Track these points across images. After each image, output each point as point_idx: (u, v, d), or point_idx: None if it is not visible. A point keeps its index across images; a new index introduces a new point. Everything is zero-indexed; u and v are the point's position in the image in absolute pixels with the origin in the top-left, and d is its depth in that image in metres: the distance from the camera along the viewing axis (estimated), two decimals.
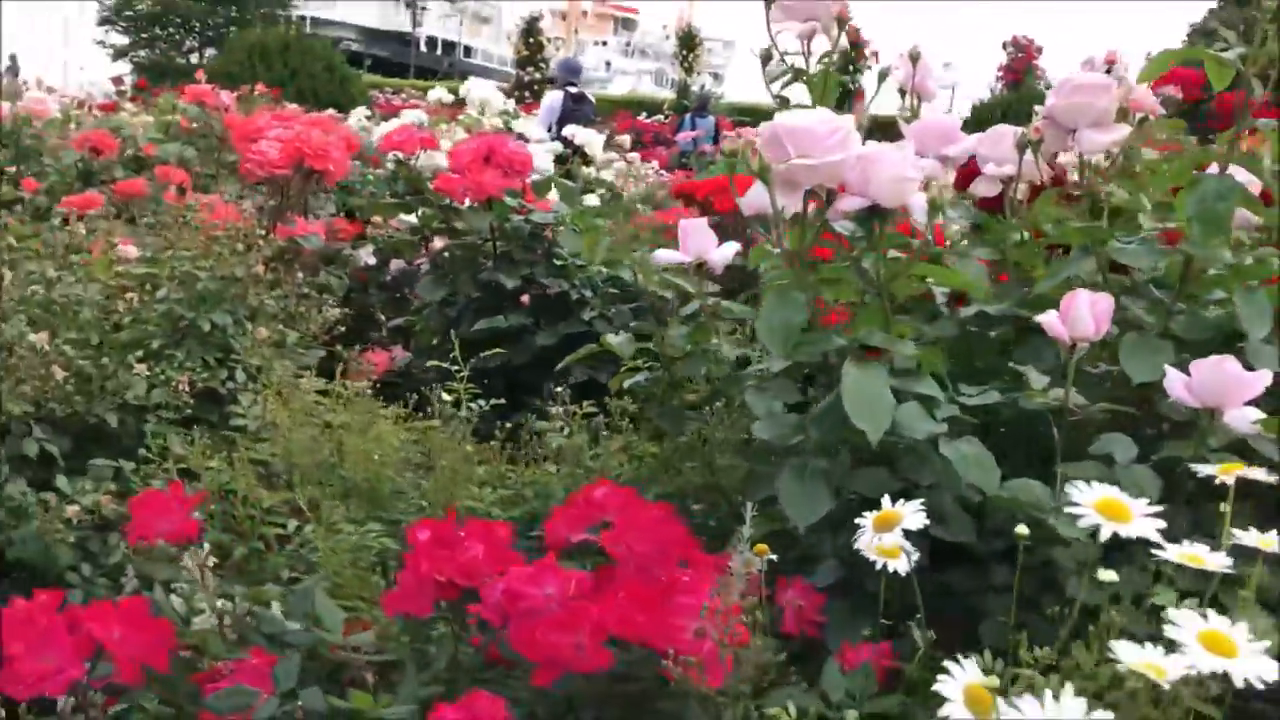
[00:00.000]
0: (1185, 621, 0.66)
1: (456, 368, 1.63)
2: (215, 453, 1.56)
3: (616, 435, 1.57)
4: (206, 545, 1.35)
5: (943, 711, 0.64)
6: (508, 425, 1.62)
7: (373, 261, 3.31)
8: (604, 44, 67.07)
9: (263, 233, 2.11)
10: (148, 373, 1.82)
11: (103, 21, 21.85)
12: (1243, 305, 1.22)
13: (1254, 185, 1.39)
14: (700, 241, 1.45)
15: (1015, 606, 1.02)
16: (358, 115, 5.97)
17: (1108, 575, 0.84)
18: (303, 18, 35.75)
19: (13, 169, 3.77)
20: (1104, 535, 0.77)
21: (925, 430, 1.11)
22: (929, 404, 1.15)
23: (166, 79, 18.61)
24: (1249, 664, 0.64)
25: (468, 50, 54.31)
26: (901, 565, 0.86)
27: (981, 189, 1.58)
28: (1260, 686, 0.63)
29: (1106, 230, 1.33)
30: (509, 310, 2.54)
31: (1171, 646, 0.64)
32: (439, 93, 5.66)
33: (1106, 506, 0.78)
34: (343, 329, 2.54)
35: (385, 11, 50.81)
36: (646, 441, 1.55)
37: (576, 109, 7.12)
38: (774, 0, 1.64)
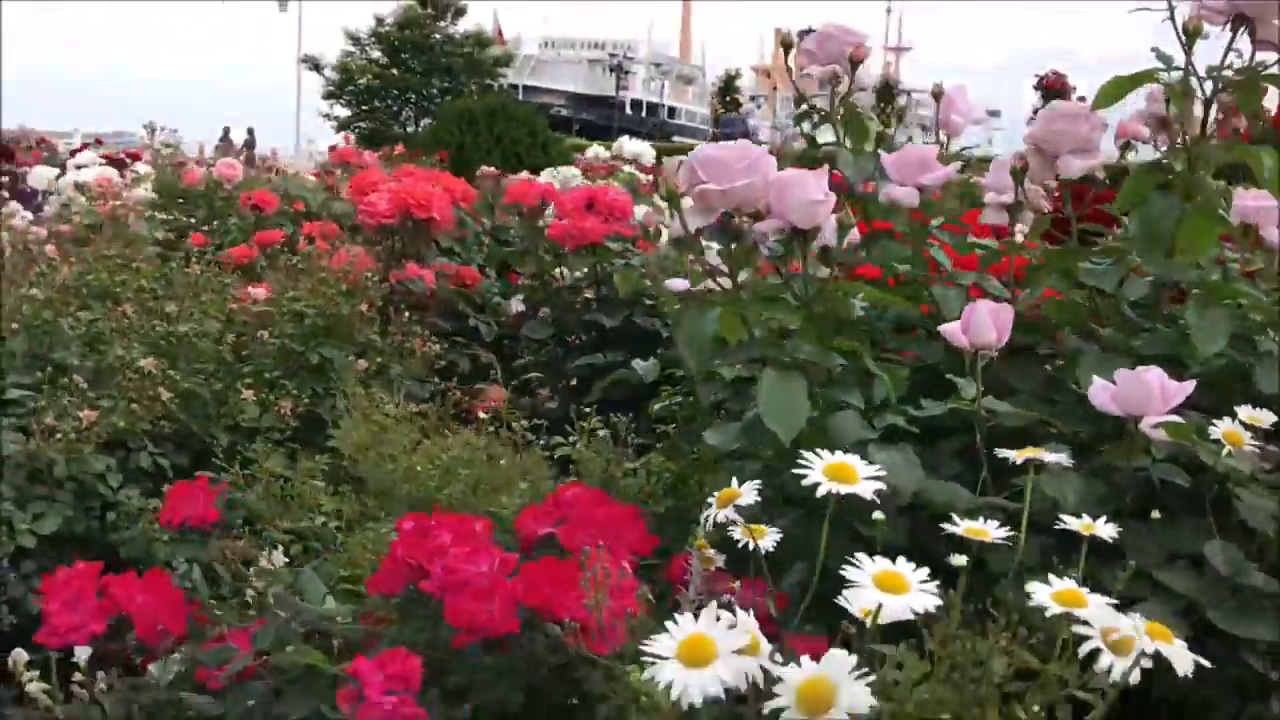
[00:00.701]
0: (866, 564, 0.73)
1: (509, 393, 1.79)
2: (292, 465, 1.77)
3: (640, 452, 1.69)
4: (280, 547, 1.56)
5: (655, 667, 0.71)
6: (544, 442, 1.76)
7: (522, 308, 3.53)
8: None
9: (370, 275, 2.34)
10: (254, 398, 2.05)
11: (328, 95, 23.52)
12: (1194, 321, 1.24)
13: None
14: None
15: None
16: (547, 174, 6.34)
17: (959, 560, 0.90)
18: (514, 86, 37.37)
19: (206, 227, 4.21)
20: (821, 492, 0.85)
21: (856, 437, 1.19)
22: (872, 412, 1.23)
23: (384, 146, 19.88)
24: (913, 599, 0.71)
25: (671, 111, 55.54)
26: (766, 543, 0.95)
27: (990, 217, 1.64)
28: (911, 616, 0.70)
29: (1077, 253, 1.37)
30: (609, 348, 2.69)
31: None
32: (596, 150, 5.94)
33: (834, 470, 0.85)
34: (481, 367, 2.77)
35: (594, 77, 52.64)
36: (664, 458, 1.66)
37: None
38: (793, 47, 1.75)
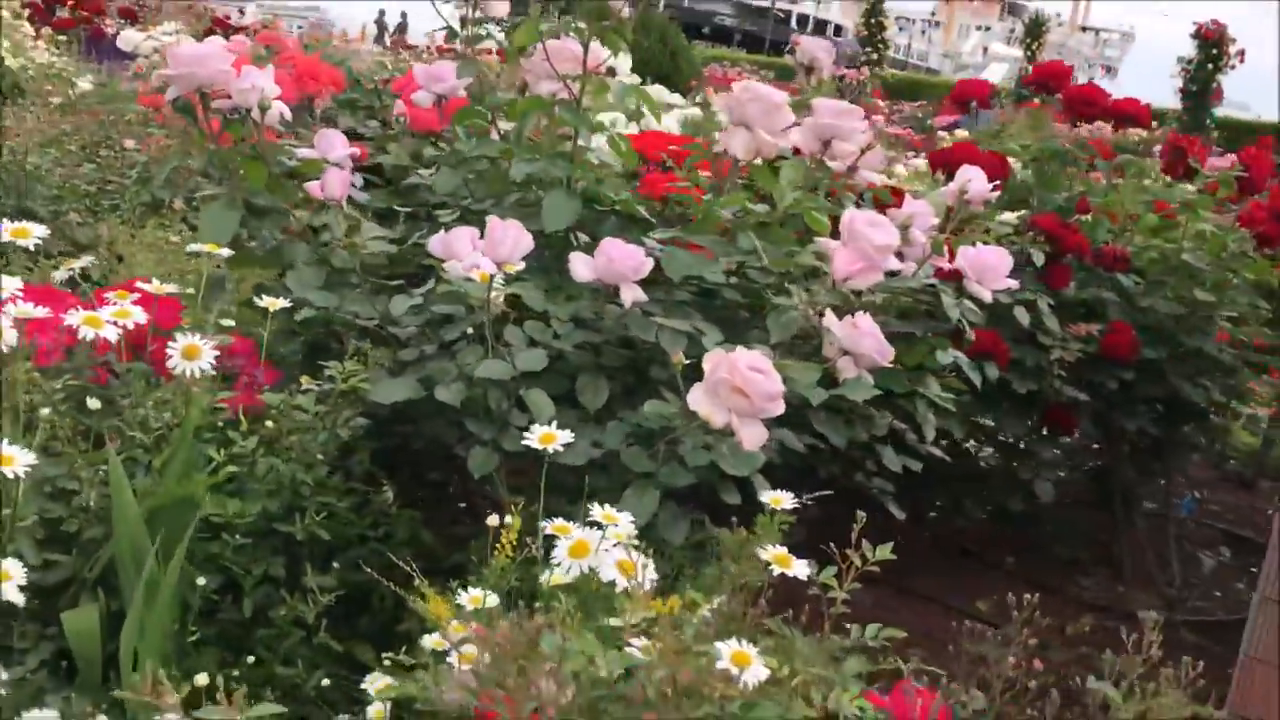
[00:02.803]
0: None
1: None
2: None
3: None
4: None
5: None
6: None
7: None
8: (986, 29, 65.02)
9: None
10: (79, 219, 2.69)
11: None
12: (547, 202, 1.72)
13: None
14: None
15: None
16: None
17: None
18: None
19: None
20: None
21: (304, 260, 1.73)
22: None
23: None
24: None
25: (838, 29, 54.50)
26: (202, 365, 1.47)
27: None
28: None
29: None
30: None
31: None
32: None
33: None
34: None
35: None
36: None
37: None
38: None
